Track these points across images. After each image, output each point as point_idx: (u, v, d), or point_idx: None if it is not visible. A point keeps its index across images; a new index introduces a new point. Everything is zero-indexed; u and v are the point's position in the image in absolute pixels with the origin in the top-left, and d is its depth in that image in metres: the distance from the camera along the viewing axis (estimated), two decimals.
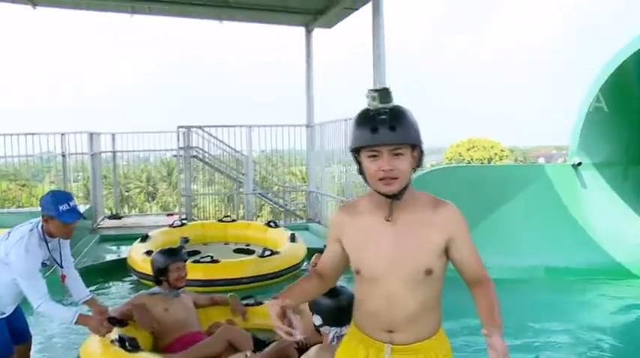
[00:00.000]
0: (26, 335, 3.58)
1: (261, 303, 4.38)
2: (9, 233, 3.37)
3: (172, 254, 4.08)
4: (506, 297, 5.80)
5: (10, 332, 3.39)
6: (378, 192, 1.81)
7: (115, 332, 3.42)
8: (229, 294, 4.50)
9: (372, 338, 1.92)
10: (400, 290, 1.84)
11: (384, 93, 1.74)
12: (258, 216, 13.79)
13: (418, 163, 1.83)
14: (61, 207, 3.38)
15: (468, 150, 48.10)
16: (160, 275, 4.03)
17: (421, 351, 1.88)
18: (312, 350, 2.68)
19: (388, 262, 1.83)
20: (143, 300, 3.92)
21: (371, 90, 1.75)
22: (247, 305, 4.39)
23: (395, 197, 1.80)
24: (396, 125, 1.72)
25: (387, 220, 1.84)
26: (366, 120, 1.75)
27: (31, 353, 3.68)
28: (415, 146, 1.79)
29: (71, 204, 3.43)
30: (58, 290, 3.68)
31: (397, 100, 1.77)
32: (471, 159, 44.82)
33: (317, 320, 2.74)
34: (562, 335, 4.76)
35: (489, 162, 42.17)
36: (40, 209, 3.39)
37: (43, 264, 3.46)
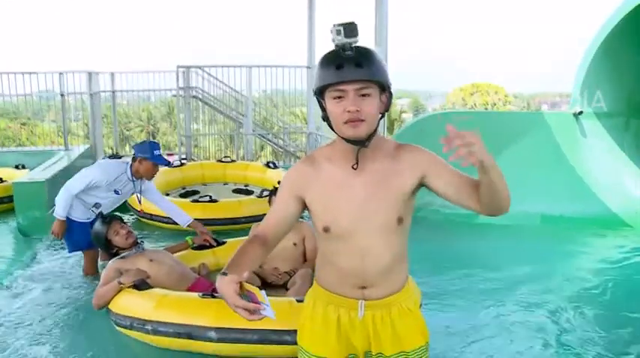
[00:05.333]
0: None
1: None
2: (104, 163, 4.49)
3: (103, 222, 3.95)
4: (499, 242, 5.86)
5: None
6: (344, 139, 1.68)
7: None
8: (187, 238, 4.57)
9: (344, 296, 1.82)
10: (374, 243, 1.75)
11: (349, 27, 1.58)
12: (259, 157, 13.80)
13: (387, 107, 1.70)
14: (155, 152, 4.22)
15: (472, 94, 47.55)
16: (108, 247, 3.92)
17: (393, 304, 1.84)
18: None
19: (360, 215, 1.73)
20: (118, 265, 3.72)
21: (336, 24, 1.59)
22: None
23: (361, 144, 1.67)
24: (362, 62, 1.59)
25: (354, 168, 1.72)
26: (331, 57, 1.62)
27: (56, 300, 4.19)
28: (384, 88, 1.66)
29: (160, 151, 4.29)
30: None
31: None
32: (474, 104, 44.36)
33: None
34: (551, 282, 4.81)
35: (492, 108, 41.84)
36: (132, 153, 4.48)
37: (116, 192, 4.40)
